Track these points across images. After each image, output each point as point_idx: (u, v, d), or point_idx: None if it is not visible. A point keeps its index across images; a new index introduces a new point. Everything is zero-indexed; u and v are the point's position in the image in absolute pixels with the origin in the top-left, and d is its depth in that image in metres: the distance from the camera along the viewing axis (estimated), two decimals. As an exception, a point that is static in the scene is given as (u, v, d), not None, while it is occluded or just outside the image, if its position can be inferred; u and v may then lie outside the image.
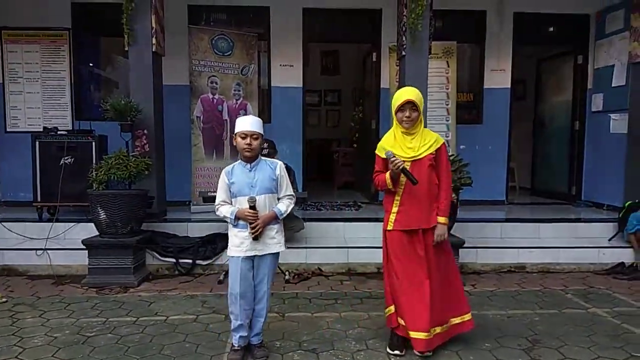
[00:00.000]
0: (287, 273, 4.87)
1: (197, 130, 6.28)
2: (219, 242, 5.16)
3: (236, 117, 6.33)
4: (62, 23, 6.78)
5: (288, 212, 3.11)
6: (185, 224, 5.44)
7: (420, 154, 3.08)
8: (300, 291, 4.51)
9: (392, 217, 3.16)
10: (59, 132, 5.67)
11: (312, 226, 5.54)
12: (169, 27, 5.70)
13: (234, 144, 3.08)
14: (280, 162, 3.19)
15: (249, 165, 3.06)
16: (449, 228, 4.75)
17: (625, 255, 5.33)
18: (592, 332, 3.55)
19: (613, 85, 6.73)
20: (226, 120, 6.46)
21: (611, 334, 3.51)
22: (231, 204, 3.06)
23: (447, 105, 6.81)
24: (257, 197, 2.98)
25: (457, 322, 3.25)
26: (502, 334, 3.49)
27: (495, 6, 7.06)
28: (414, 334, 3.06)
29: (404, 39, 5.39)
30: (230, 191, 3.05)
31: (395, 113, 3.12)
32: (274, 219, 3.06)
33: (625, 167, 6.39)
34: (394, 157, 3.01)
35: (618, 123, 6.66)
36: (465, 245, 4.88)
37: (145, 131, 5.20)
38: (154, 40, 5.19)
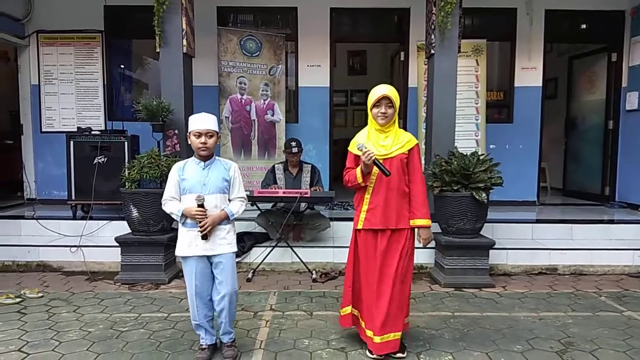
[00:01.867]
0: (314, 272, 4.89)
1: (226, 130, 6.36)
2: (247, 240, 5.21)
3: (264, 117, 6.51)
4: (95, 26, 6.95)
5: (239, 214, 3.03)
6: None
7: (392, 152, 3.04)
8: (327, 290, 4.51)
9: (362, 215, 3.12)
10: (92, 132, 5.82)
11: (339, 226, 5.54)
12: (199, 28, 5.78)
13: (189, 142, 3.01)
14: (234, 164, 3.12)
15: (203, 163, 3.00)
16: (478, 230, 4.74)
17: (662, 258, 5.17)
18: (628, 335, 3.46)
19: (649, 83, 6.55)
20: (254, 120, 6.52)
21: (648, 338, 3.41)
22: (180, 200, 2.99)
23: (477, 104, 6.72)
24: (206, 197, 2.90)
25: (396, 337, 3.11)
26: (533, 336, 3.43)
27: (525, 4, 6.93)
28: (369, 333, 3.06)
29: (432, 37, 5.34)
30: (180, 187, 2.98)
31: (371, 109, 3.07)
32: (225, 219, 2.97)
33: (661, 167, 6.21)
34: (366, 148, 2.96)
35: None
36: (495, 247, 4.80)
37: (176, 131, 5.28)
38: (184, 42, 5.27)
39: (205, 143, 2.94)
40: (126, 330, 3.53)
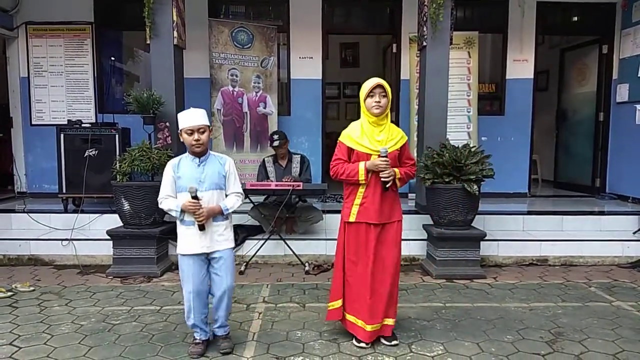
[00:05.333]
0: (306, 264, 4.90)
1: (218, 123, 6.34)
2: (240, 233, 5.21)
3: (256, 110, 6.49)
4: (85, 17, 6.87)
5: (234, 208, 3.01)
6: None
7: (388, 148, 3.04)
8: (320, 282, 4.53)
9: (355, 209, 3.11)
10: (83, 125, 5.78)
11: (332, 218, 5.54)
12: (190, 20, 5.74)
13: (181, 140, 2.95)
14: (229, 158, 3.10)
15: (197, 160, 2.95)
16: (470, 221, 4.77)
17: (651, 249, 5.23)
18: (617, 325, 3.50)
19: (639, 75, 6.58)
20: (246, 112, 6.50)
21: (636, 328, 3.45)
22: (176, 198, 2.95)
23: (469, 96, 6.73)
24: (203, 193, 2.89)
25: (390, 323, 3.17)
26: (524, 326, 3.47)
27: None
28: (361, 323, 3.09)
29: (424, 29, 5.34)
30: (176, 185, 2.94)
31: (364, 100, 3.05)
32: (219, 213, 2.94)
33: (651, 159, 6.26)
34: (386, 158, 2.97)
35: (644, 114, 6.52)
36: (486, 238, 4.84)
37: (167, 124, 5.25)
38: (175, 34, 5.23)
39: (198, 140, 2.89)
40: (118, 323, 3.53)
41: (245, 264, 4.92)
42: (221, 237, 2.99)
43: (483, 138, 6.88)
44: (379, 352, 3.06)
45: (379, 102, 3.01)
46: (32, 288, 4.29)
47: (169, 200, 2.94)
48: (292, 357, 3.00)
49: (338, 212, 5.63)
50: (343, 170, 3.10)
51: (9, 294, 4.13)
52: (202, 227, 2.89)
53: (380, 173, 3.00)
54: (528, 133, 7.21)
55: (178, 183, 2.94)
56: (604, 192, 7.28)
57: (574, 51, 8.08)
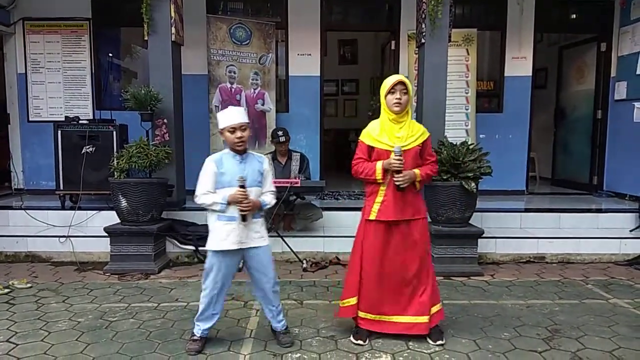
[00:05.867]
0: (304, 261, 4.90)
1: (216, 120, 6.30)
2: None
3: (254, 107, 6.48)
4: (82, 13, 6.85)
5: (270, 205, 3.06)
6: (204, 212, 5.46)
7: (407, 145, 3.04)
8: (317, 279, 4.53)
9: (376, 207, 3.09)
10: (80, 122, 5.76)
11: (330, 215, 5.55)
12: (188, 16, 5.72)
13: (222, 139, 2.96)
14: (266, 157, 3.14)
15: (239, 157, 2.98)
16: (467, 219, 4.77)
17: (648, 246, 5.24)
18: (613, 322, 3.51)
19: (637, 73, 6.57)
20: (244, 109, 6.47)
21: (632, 325, 3.46)
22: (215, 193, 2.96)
23: (467, 93, 6.73)
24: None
25: (436, 310, 3.16)
26: (521, 324, 3.47)
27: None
28: (363, 314, 3.13)
29: (423, 26, 5.33)
30: (217, 181, 2.95)
31: (385, 97, 3.04)
32: (259, 208, 2.99)
33: (648, 156, 6.27)
34: (400, 156, 2.96)
35: (642, 112, 6.53)
36: (484, 236, 4.84)
37: (165, 120, 5.25)
38: (173, 30, 5.21)
39: (241, 137, 2.91)
40: (116, 320, 3.52)
41: (243, 261, 4.91)
42: (257, 234, 3.02)
43: (481, 135, 6.89)
44: (376, 349, 3.06)
45: (400, 99, 2.99)
46: (29, 285, 4.29)
47: (210, 195, 2.94)
48: (289, 354, 3.00)
49: (336, 209, 5.71)
50: (362, 170, 3.09)
51: (6, 290, 4.13)
52: (244, 218, 2.90)
53: (394, 175, 2.97)
54: (526, 131, 7.21)
55: (221, 179, 2.94)
56: (601, 190, 7.30)
57: (573, 49, 8.09)
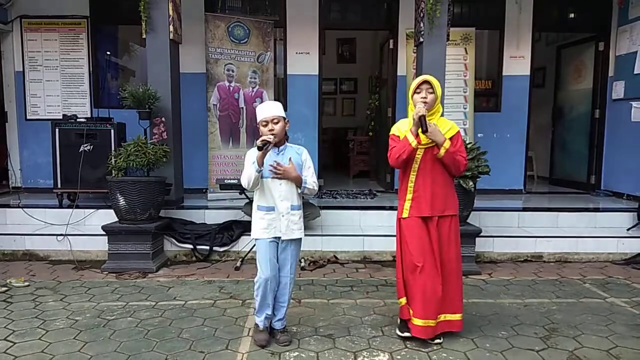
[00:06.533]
0: (302, 260, 4.90)
1: (214, 118, 6.31)
2: (235, 229, 5.20)
3: (252, 105, 6.47)
4: (80, 11, 6.84)
5: (310, 188, 3.08)
6: (202, 211, 5.49)
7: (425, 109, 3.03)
8: (316, 278, 4.53)
9: (407, 204, 3.13)
10: (78, 120, 5.75)
11: (328, 214, 5.56)
12: (186, 14, 5.71)
13: (260, 134, 3.02)
14: (305, 149, 3.20)
15: (276, 149, 3.06)
16: (465, 217, 4.78)
17: (645, 246, 5.25)
18: (610, 321, 3.52)
19: (635, 72, 6.60)
20: (242, 108, 6.48)
21: (630, 324, 3.47)
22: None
23: (465, 92, 6.73)
24: (282, 183, 3.00)
25: (448, 319, 3.15)
26: (518, 322, 3.48)
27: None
28: (416, 321, 3.08)
29: (421, 25, 5.33)
30: None
31: (412, 97, 3.08)
32: (299, 181, 3.03)
33: (646, 156, 6.28)
34: (422, 111, 2.95)
35: (639, 111, 6.53)
36: (481, 234, 4.85)
37: (163, 119, 5.24)
38: (171, 28, 5.20)
39: (272, 130, 2.96)
40: (113, 318, 3.52)
41: (241, 260, 4.92)
42: (295, 226, 3.07)
43: (479, 135, 6.90)
44: (374, 348, 3.06)
45: (425, 98, 3.02)
46: (26, 283, 4.28)
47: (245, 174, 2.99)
48: (287, 353, 3.00)
49: (334, 208, 5.71)
50: (397, 150, 3.07)
51: (4, 289, 4.12)
52: (260, 148, 2.86)
53: (416, 108, 2.97)
54: (524, 130, 7.23)
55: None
56: (599, 189, 7.32)
57: (571, 48, 8.10)
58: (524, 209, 5.98)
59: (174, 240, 5.09)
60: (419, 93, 3.05)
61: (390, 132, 3.23)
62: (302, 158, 3.12)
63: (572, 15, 7.43)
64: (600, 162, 7.41)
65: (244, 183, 3.01)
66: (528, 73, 7.16)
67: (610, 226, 5.62)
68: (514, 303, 3.90)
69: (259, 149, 2.86)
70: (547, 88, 8.83)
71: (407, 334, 3.14)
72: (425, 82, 3.05)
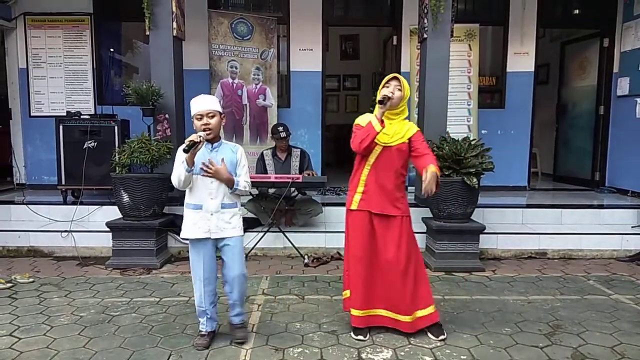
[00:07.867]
0: (306, 257, 4.90)
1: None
2: (239, 225, 5.19)
3: (256, 102, 6.47)
4: (83, 8, 6.84)
5: (242, 190, 2.95)
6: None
7: (393, 142, 3.05)
8: (319, 274, 4.54)
9: (357, 196, 3.12)
10: (82, 117, 5.76)
11: (331, 211, 5.55)
12: (189, 11, 5.71)
13: (194, 128, 2.90)
14: (241, 147, 3.08)
15: (210, 146, 2.94)
16: (469, 214, 4.77)
17: (650, 242, 5.24)
18: (615, 318, 3.51)
19: (640, 68, 6.57)
20: (245, 105, 6.48)
21: (634, 321, 3.46)
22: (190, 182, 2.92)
23: (469, 89, 6.71)
24: (215, 182, 2.88)
25: (424, 314, 3.13)
26: (522, 319, 3.48)
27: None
28: (354, 312, 3.12)
29: (425, 21, 5.31)
30: None
31: (380, 91, 3.06)
32: (231, 183, 2.88)
33: (651, 152, 6.26)
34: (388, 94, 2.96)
35: (644, 108, 6.51)
36: (485, 231, 4.84)
37: (167, 115, 5.24)
38: (174, 25, 5.20)
39: (207, 124, 2.86)
40: (118, 314, 3.53)
41: (244, 256, 4.92)
42: (228, 225, 2.95)
43: (483, 131, 6.88)
44: (378, 344, 3.06)
45: (392, 93, 3.01)
46: (31, 279, 4.30)
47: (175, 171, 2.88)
48: (291, 349, 3.00)
49: (338, 204, 5.71)
50: (361, 134, 3.01)
51: (9, 285, 4.14)
52: (186, 150, 2.71)
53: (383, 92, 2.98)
54: (528, 126, 7.20)
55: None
56: (603, 186, 7.29)
57: (575, 44, 8.06)
58: (528, 206, 5.97)
59: (177, 237, 5.09)
60: (387, 88, 3.05)
61: (355, 123, 3.17)
62: (237, 156, 2.99)
63: (576, 11, 7.39)
64: (604, 158, 7.39)
65: (174, 182, 2.90)
66: (532, 69, 7.13)
67: (615, 223, 5.60)
68: (518, 300, 3.89)
69: (185, 151, 2.71)
70: (552, 84, 8.79)
71: (360, 337, 3.11)
72: (395, 78, 3.06)
